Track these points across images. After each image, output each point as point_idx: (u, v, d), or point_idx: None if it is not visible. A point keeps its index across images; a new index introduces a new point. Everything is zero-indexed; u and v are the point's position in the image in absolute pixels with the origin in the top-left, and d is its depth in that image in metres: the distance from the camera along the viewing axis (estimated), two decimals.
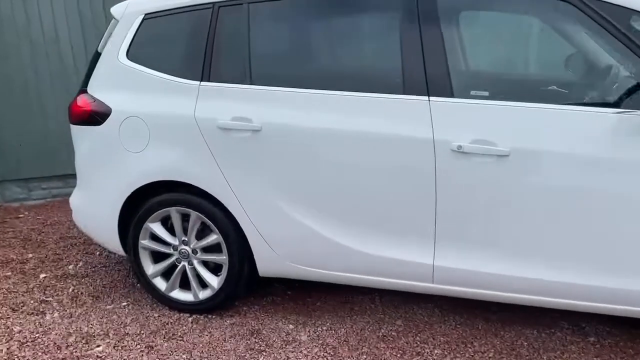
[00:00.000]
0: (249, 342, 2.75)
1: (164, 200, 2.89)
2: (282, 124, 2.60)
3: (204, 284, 2.98)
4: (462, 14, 2.55)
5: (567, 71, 2.76)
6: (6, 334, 2.87)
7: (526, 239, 2.36)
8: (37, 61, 5.02)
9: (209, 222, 2.83)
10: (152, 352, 2.69)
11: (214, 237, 2.86)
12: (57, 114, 5.15)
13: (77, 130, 3.10)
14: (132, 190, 2.90)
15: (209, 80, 2.75)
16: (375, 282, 2.68)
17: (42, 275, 3.56)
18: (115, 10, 3.03)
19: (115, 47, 2.95)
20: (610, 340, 2.65)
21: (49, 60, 5.05)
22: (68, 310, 3.11)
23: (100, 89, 2.98)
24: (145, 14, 2.91)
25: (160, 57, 2.88)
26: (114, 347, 2.74)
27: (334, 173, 2.56)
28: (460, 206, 2.42)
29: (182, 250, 2.94)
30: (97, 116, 2.93)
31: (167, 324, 2.94)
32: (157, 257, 3.05)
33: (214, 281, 2.92)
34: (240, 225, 2.77)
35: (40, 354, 2.70)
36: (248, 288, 3.02)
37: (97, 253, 3.90)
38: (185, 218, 2.92)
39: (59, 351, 2.71)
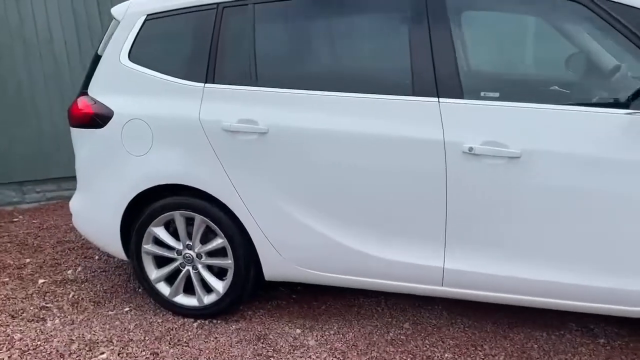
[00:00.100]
0: (256, 347, 2.71)
1: (167, 204, 2.84)
2: (289, 126, 2.56)
3: (208, 289, 2.94)
4: (471, 14, 2.53)
5: (568, 71, 2.75)
6: (7, 342, 2.81)
7: (538, 241, 2.34)
8: (31, 62, 4.95)
9: (214, 226, 2.79)
10: (158, 358, 2.64)
11: (219, 241, 2.81)
12: (51, 115, 5.08)
13: (77, 134, 3.04)
14: (134, 194, 2.85)
15: (213, 82, 2.70)
16: (384, 285, 2.65)
17: (40, 281, 3.50)
18: (116, 10, 2.97)
19: (117, 48, 2.90)
20: (620, 342, 2.64)
21: (43, 61, 4.98)
22: (69, 316, 3.05)
23: (102, 91, 2.92)
24: (148, 15, 2.86)
25: (163, 58, 2.83)
26: (118, 354, 2.69)
27: (343, 176, 2.53)
28: (470, 208, 2.39)
29: (187, 255, 2.90)
30: (98, 119, 2.88)
31: (172, 329, 2.89)
32: (161, 261, 3.00)
33: (219, 286, 2.88)
34: (246, 228, 2.73)
35: None
36: (253, 292, 2.98)
37: (96, 257, 3.84)
38: (189, 222, 2.88)
39: (62, 359, 2.66)
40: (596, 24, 2.30)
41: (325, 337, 2.77)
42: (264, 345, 2.72)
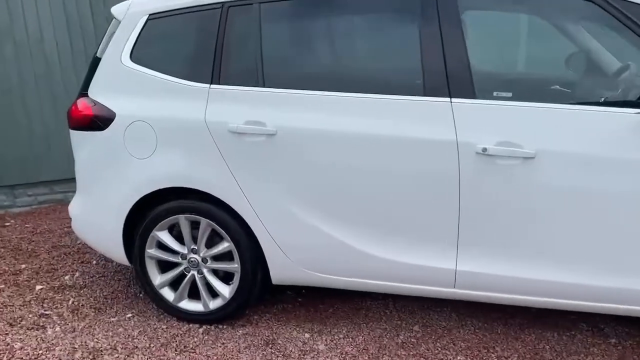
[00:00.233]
0: (264, 353, 2.66)
1: (172, 207, 2.78)
2: (298, 127, 2.51)
3: (213, 293, 2.88)
4: (482, 13, 2.51)
5: (568, 70, 2.75)
6: (7, 352, 2.73)
7: (553, 242, 2.32)
8: (21, 62, 4.83)
9: (220, 230, 2.73)
10: None
11: (225, 245, 2.76)
12: (42, 116, 4.97)
13: (77, 136, 2.96)
14: (138, 198, 2.78)
15: (219, 83, 2.65)
16: (395, 288, 2.62)
17: (38, 287, 3.41)
18: (116, 10, 2.90)
19: (118, 48, 2.82)
20: (632, 342, 2.64)
21: (34, 61, 4.86)
22: (70, 323, 2.98)
23: (102, 93, 2.85)
24: (150, 15, 2.79)
25: (166, 59, 2.77)
26: None
27: (352, 177, 2.49)
28: (484, 209, 2.37)
29: (192, 259, 2.84)
30: (99, 121, 2.81)
31: (177, 335, 2.83)
32: (164, 266, 2.94)
33: (226, 290, 2.82)
34: (254, 232, 2.68)
35: None
36: (259, 296, 2.93)
37: (94, 262, 3.76)
38: (193, 225, 2.82)
39: None
40: (608, 22, 2.28)
41: (335, 341, 2.73)
42: (272, 351, 2.67)
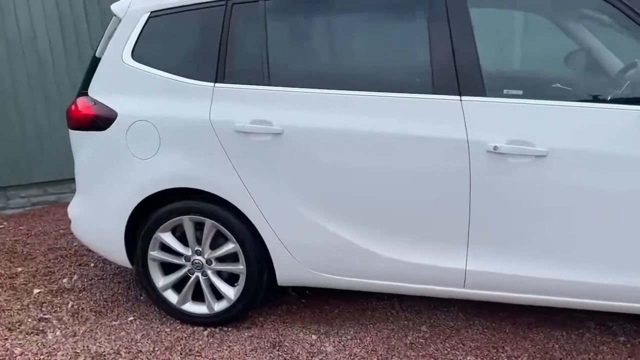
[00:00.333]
0: (272, 355, 2.62)
1: (175, 208, 2.73)
2: (305, 126, 2.48)
3: (218, 295, 2.83)
4: (491, 11, 2.49)
5: (567, 68, 2.74)
6: (7, 357, 2.66)
7: (564, 240, 2.31)
8: (13, 61, 4.74)
9: (225, 231, 2.69)
10: None
11: (230, 246, 2.71)
12: (35, 117, 4.89)
13: (76, 136, 2.90)
14: (140, 199, 2.73)
15: (223, 82, 2.60)
16: (403, 288, 2.59)
17: (35, 291, 3.34)
18: (116, 7, 2.84)
19: (119, 47, 2.77)
20: None
21: (26, 61, 4.78)
22: (70, 328, 2.92)
23: (103, 92, 2.79)
24: (151, 12, 2.73)
25: (168, 57, 2.72)
26: None
27: (361, 177, 2.46)
28: (495, 208, 2.35)
29: (196, 261, 2.79)
30: (100, 121, 2.75)
31: (181, 338, 2.78)
32: (168, 268, 2.89)
33: (231, 292, 2.78)
34: (260, 232, 2.64)
35: None
36: (264, 298, 2.89)
37: (92, 265, 3.69)
38: (197, 227, 2.77)
39: None
40: (622, 21, 2.27)
41: (342, 343, 2.69)
42: (280, 353, 2.63)
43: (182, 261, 2.81)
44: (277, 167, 2.54)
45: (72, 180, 4.95)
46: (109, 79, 2.79)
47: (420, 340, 2.69)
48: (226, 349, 2.68)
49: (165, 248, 2.83)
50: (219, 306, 2.82)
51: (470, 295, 2.52)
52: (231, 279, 2.83)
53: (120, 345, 2.73)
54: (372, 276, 2.59)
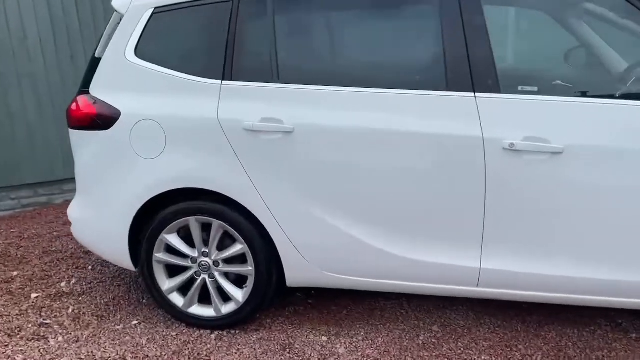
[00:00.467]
0: (283, 358, 2.57)
1: (181, 209, 2.67)
2: (317, 124, 2.43)
3: (225, 298, 2.77)
4: (504, 6, 2.46)
5: (567, 65, 2.73)
6: None
7: (580, 238, 2.29)
8: (4, 61, 4.62)
9: (233, 231, 2.63)
10: None
11: (238, 247, 2.66)
12: (25, 117, 4.77)
13: (77, 136, 2.82)
14: (145, 200, 2.66)
15: (231, 79, 2.55)
16: (416, 288, 2.56)
17: (33, 295, 3.25)
18: (118, 3, 2.76)
19: (121, 44, 2.69)
20: None
21: (16, 60, 4.66)
22: (73, 333, 2.84)
23: (106, 91, 2.71)
24: (155, 8, 2.66)
25: (173, 54, 2.66)
26: None
27: (374, 175, 2.42)
28: (510, 206, 2.33)
29: (202, 263, 2.73)
30: (103, 120, 2.67)
31: (189, 342, 2.71)
32: (173, 271, 2.82)
33: (239, 294, 2.72)
34: (269, 233, 2.59)
35: None
36: (272, 300, 2.83)
37: (89, 267, 3.60)
38: (204, 228, 2.71)
39: None
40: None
41: (354, 344, 2.65)
42: (291, 356, 2.58)
43: (188, 263, 2.75)
44: (288, 166, 2.49)
45: (64, 181, 4.99)
46: (111, 77, 2.72)
47: (433, 340, 2.66)
48: (235, 353, 2.62)
49: (170, 250, 2.76)
50: (226, 309, 2.76)
51: (484, 294, 2.50)
52: (238, 281, 2.77)
53: (125, 351, 2.66)
54: (385, 276, 2.55)
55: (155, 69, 2.63)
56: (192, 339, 2.74)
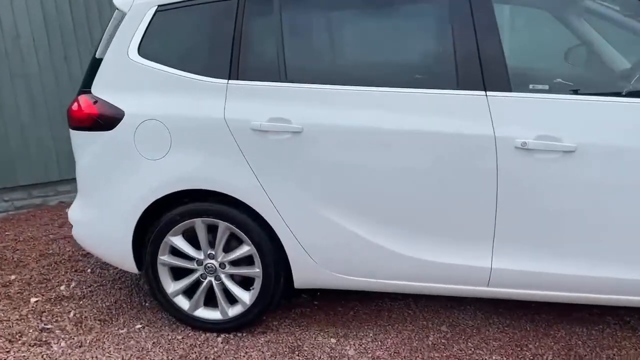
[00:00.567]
0: None
1: (187, 211, 2.62)
2: (326, 124, 2.40)
3: (231, 300, 2.74)
4: (513, 4, 2.45)
5: (567, 63, 2.73)
6: None
7: (592, 237, 2.29)
8: None
9: (240, 233, 2.59)
10: None
11: (245, 249, 2.62)
12: (19, 117, 4.69)
13: (78, 137, 2.76)
14: (150, 202, 2.61)
15: (237, 79, 2.51)
16: (426, 288, 2.54)
17: (32, 300, 3.18)
18: (119, 1, 2.71)
19: (124, 43, 2.64)
20: None
21: (9, 59, 4.58)
22: (76, 338, 2.78)
23: (108, 90, 2.66)
24: (158, 6, 2.61)
25: (178, 53, 2.61)
26: None
27: (384, 175, 2.40)
28: (522, 205, 2.31)
29: (208, 265, 2.69)
30: (106, 120, 2.62)
31: (195, 346, 2.67)
32: (178, 273, 2.77)
33: (246, 296, 2.68)
34: (277, 234, 2.55)
35: None
36: (279, 302, 2.80)
37: (89, 270, 3.54)
38: (209, 229, 2.67)
39: None
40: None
41: (363, 346, 2.63)
42: (300, 358, 2.55)
43: (194, 265, 2.71)
44: (297, 167, 2.46)
45: (58, 182, 4.92)
46: (114, 77, 2.66)
47: (442, 341, 2.65)
48: (244, 356, 2.58)
49: (175, 252, 2.71)
50: (233, 311, 2.72)
51: (494, 294, 2.49)
52: (243, 283, 2.73)
53: (131, 355, 2.62)
54: (395, 277, 2.53)
55: (159, 68, 2.59)
56: (199, 343, 2.70)
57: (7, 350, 2.68)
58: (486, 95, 2.30)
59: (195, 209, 2.62)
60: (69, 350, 2.67)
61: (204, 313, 2.77)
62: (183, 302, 2.77)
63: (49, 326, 2.90)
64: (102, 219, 2.74)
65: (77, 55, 4.77)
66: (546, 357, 2.49)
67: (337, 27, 2.54)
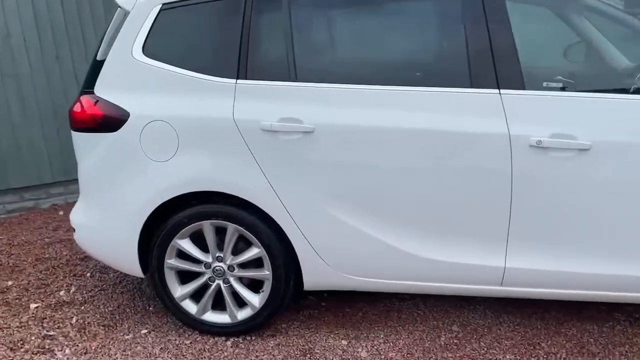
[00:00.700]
0: None
1: (195, 213, 2.57)
2: (338, 124, 2.37)
3: (240, 303, 2.69)
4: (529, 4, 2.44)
5: (567, 60, 2.73)
6: None
7: (608, 235, 2.28)
8: None
9: (249, 235, 2.55)
10: None
11: (255, 251, 2.58)
12: (10, 119, 4.58)
13: (81, 138, 2.69)
14: (157, 205, 2.55)
15: (245, 78, 2.46)
16: (439, 288, 2.53)
17: (32, 306, 3.10)
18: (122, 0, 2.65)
19: (128, 42, 2.57)
20: None
21: (0, 59, 4.47)
22: (80, 344, 2.71)
23: (112, 91, 2.59)
24: (163, 4, 2.55)
25: (184, 52, 2.56)
26: None
27: (397, 175, 2.37)
28: (537, 204, 2.30)
29: (217, 268, 2.64)
30: (110, 122, 2.56)
31: (204, 350, 2.62)
32: (185, 277, 2.72)
33: (255, 299, 2.64)
34: (288, 236, 2.51)
35: None
36: (289, 304, 2.76)
37: (88, 275, 3.46)
38: (217, 231, 2.62)
39: None
40: None
41: (375, 347, 2.60)
42: None
43: (201, 268, 2.66)
44: (308, 167, 2.42)
45: (50, 185, 4.81)
46: (118, 77, 2.60)
47: (455, 341, 2.63)
48: (254, 359, 2.54)
49: (183, 255, 2.66)
50: (242, 314, 2.68)
51: (507, 293, 2.48)
52: (251, 286, 2.69)
53: None
54: (407, 277, 2.51)
55: (165, 68, 2.53)
56: (208, 347, 2.65)
57: (10, 358, 2.61)
58: (500, 93, 2.28)
59: (204, 211, 2.57)
60: (74, 358, 2.61)
61: (212, 317, 2.72)
62: (191, 306, 2.72)
63: (52, 333, 2.82)
64: (107, 222, 2.68)
65: (69, 55, 4.67)
66: (560, 356, 2.49)
67: (348, 24, 2.50)
